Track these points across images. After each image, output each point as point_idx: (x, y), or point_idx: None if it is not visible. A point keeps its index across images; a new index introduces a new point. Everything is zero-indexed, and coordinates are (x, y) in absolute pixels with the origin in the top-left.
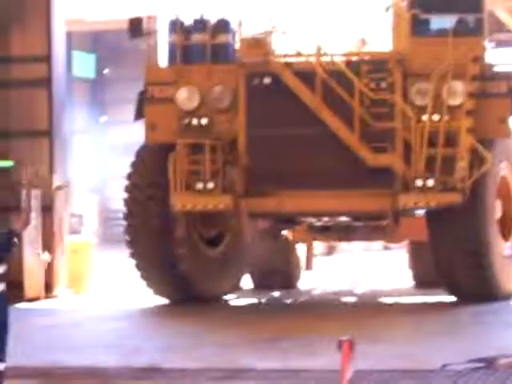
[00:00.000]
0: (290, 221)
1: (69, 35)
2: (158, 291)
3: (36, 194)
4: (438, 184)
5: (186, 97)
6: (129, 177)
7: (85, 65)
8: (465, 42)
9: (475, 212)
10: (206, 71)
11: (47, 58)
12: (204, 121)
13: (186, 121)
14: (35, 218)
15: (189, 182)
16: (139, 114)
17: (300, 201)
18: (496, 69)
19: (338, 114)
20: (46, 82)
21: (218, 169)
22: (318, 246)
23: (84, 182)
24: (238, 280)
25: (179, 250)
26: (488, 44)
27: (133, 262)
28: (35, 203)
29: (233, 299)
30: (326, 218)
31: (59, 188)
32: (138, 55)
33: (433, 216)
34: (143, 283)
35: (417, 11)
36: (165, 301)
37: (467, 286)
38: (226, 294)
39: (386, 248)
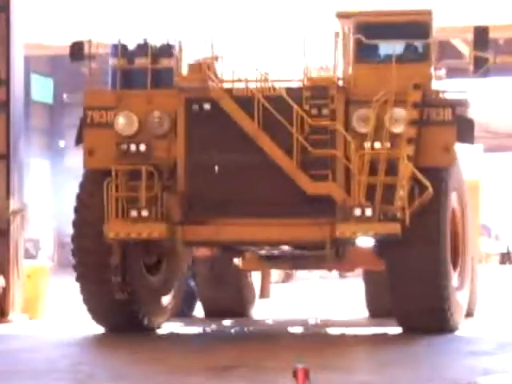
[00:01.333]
0: (233, 249)
1: (27, 59)
2: (95, 319)
3: None
4: (377, 213)
5: (124, 122)
6: (75, 200)
7: (43, 89)
8: (409, 68)
9: (434, 242)
10: (146, 96)
11: (6, 82)
12: (142, 147)
13: (124, 146)
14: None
15: (124, 209)
16: (79, 139)
17: (238, 229)
18: (443, 96)
19: (278, 141)
20: (4, 105)
21: (155, 196)
22: (275, 273)
23: (41, 207)
24: (176, 307)
25: (114, 277)
26: (436, 71)
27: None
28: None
29: (181, 327)
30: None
31: (15, 212)
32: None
33: (388, 245)
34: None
35: (360, 37)
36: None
37: (422, 318)
38: (165, 322)
39: (342, 276)
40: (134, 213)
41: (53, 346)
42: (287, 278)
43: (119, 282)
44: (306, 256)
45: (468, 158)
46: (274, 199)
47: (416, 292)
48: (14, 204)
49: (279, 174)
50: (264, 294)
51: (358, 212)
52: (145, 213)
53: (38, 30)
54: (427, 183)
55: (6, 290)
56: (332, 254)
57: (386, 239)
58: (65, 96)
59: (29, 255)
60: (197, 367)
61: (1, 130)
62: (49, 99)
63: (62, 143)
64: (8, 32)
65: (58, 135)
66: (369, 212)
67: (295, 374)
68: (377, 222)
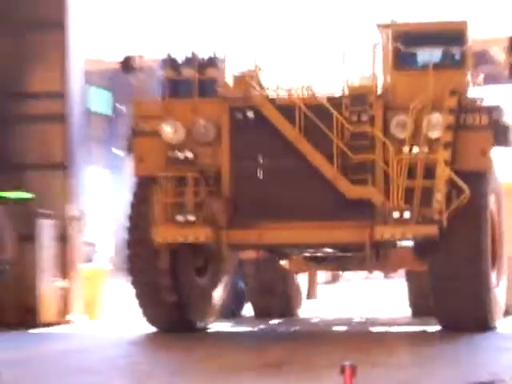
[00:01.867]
0: (279, 252)
1: (88, 73)
2: (149, 321)
3: (51, 223)
4: (415, 216)
5: (171, 131)
6: (128, 207)
7: (102, 101)
8: (445, 75)
9: (477, 245)
10: (192, 105)
11: (63, 95)
12: (189, 154)
13: (172, 154)
14: (51, 247)
15: (171, 214)
16: (129, 147)
17: (281, 233)
18: (480, 102)
19: (318, 147)
20: (62, 117)
21: (201, 201)
22: (322, 274)
23: (101, 212)
24: (225, 308)
25: (163, 281)
26: (473, 78)
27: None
28: (51, 233)
29: (230, 327)
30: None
31: (73, 218)
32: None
33: (428, 247)
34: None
35: (399, 45)
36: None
37: (461, 316)
38: (214, 322)
39: (386, 276)
40: (180, 218)
41: (111, 346)
42: (334, 279)
43: (169, 285)
44: (348, 257)
45: (505, 162)
46: (315, 203)
47: (456, 292)
48: (71, 210)
49: (320, 179)
50: (311, 294)
51: (396, 215)
52: (191, 217)
53: (98, 45)
54: (464, 186)
55: (66, 291)
56: (372, 256)
57: (426, 241)
58: (122, 107)
59: (87, 258)
60: (249, 364)
61: (59, 140)
62: (108, 111)
63: (120, 152)
64: (65, 48)
65: (116, 144)
66: (407, 215)
67: (343, 371)
68: (415, 225)
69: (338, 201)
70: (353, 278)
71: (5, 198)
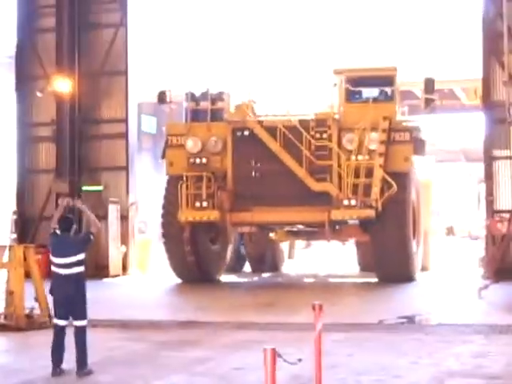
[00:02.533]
0: (267, 228)
1: (140, 105)
2: (177, 274)
3: (117, 207)
4: (359, 203)
5: (192, 144)
6: (162, 198)
7: (149, 124)
8: (380, 106)
9: (401, 223)
10: (206, 127)
11: (125, 120)
12: (204, 160)
13: (192, 160)
14: (116, 224)
15: (191, 201)
16: (164, 155)
17: (266, 214)
18: (405, 124)
19: (293, 156)
20: (124, 136)
21: (212, 193)
22: (299, 242)
23: (149, 200)
24: (231, 265)
25: (186, 247)
26: (400, 108)
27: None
28: (116, 214)
29: (235, 278)
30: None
31: (131, 204)
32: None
33: (369, 225)
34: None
35: (349, 86)
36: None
37: (393, 271)
38: (223, 275)
39: (343, 244)
40: (198, 204)
41: (154, 290)
42: (307, 246)
43: (189, 251)
44: (314, 231)
45: (425, 166)
46: (290, 194)
47: (389, 255)
48: (130, 199)
49: (294, 178)
50: (291, 256)
51: (346, 202)
52: (205, 204)
53: (148, 85)
54: (393, 183)
55: (126, 254)
56: (330, 231)
57: (367, 220)
58: (163, 128)
59: (141, 231)
60: (249, 303)
61: (122, 151)
62: (153, 131)
63: (161, 160)
64: (126, 88)
65: (158, 154)
66: (353, 202)
67: (314, 308)
68: (359, 209)
69: (306, 192)
70: (320, 245)
71: (86, 190)
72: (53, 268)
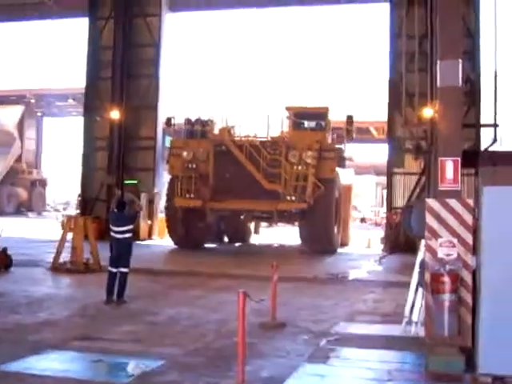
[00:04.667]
0: (237, 213)
1: (164, 129)
2: (173, 241)
3: (146, 195)
4: (297, 199)
5: (186, 154)
6: (166, 190)
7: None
8: (315, 133)
9: (327, 213)
10: (197, 143)
11: (154, 138)
12: (194, 165)
13: (186, 165)
14: (144, 207)
15: (183, 193)
16: (168, 161)
17: (235, 204)
18: (332, 146)
19: (254, 165)
20: (153, 148)
21: (198, 188)
22: (264, 224)
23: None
24: (213, 237)
25: (178, 224)
26: (329, 136)
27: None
28: (146, 199)
29: (215, 246)
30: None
31: (155, 194)
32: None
33: (304, 213)
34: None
35: (295, 118)
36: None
37: (319, 245)
38: (207, 243)
39: (293, 225)
40: (187, 195)
41: (166, 248)
42: (269, 226)
43: (181, 226)
44: (268, 217)
45: (347, 175)
46: (251, 191)
47: (318, 235)
48: (155, 190)
49: (254, 180)
50: (257, 232)
51: (288, 198)
52: (192, 195)
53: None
54: (321, 185)
55: (151, 226)
56: (277, 217)
57: (302, 211)
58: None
59: (161, 212)
60: (227, 263)
61: (151, 158)
62: None
63: (166, 164)
64: (157, 118)
65: None
66: (294, 198)
67: (272, 266)
68: (297, 203)
69: (262, 190)
70: (278, 226)
71: (127, 184)
72: (112, 234)
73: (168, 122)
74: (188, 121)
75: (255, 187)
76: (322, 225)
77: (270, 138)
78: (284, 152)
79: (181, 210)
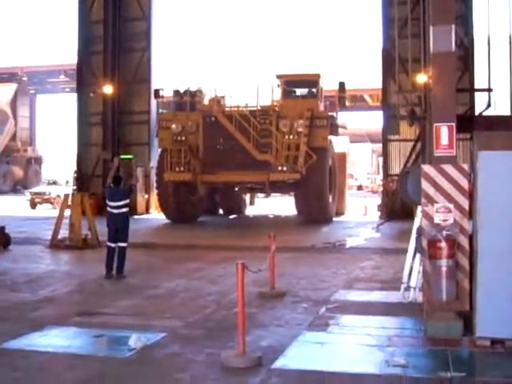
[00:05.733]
0: (233, 185)
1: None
2: (166, 216)
3: (142, 169)
4: (289, 169)
5: (175, 126)
6: (156, 163)
7: None
8: (307, 101)
9: (320, 182)
10: (186, 115)
11: (148, 112)
12: (183, 138)
13: (175, 137)
14: (140, 181)
15: (173, 166)
16: (157, 134)
17: (226, 176)
18: (323, 113)
19: (244, 135)
20: (147, 122)
21: (188, 161)
22: (260, 195)
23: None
24: (207, 209)
25: (169, 198)
26: (321, 103)
27: None
28: (142, 174)
29: (210, 218)
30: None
31: (151, 167)
32: None
33: (297, 183)
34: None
35: (285, 86)
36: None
37: (315, 214)
38: (201, 216)
39: (289, 195)
40: (177, 168)
41: (161, 221)
42: (266, 196)
43: (172, 200)
44: (261, 188)
45: (341, 143)
46: (242, 162)
47: (313, 204)
48: (151, 164)
49: (245, 151)
50: (252, 203)
51: (280, 168)
52: (182, 168)
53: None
54: (313, 155)
55: (148, 200)
56: (269, 187)
57: (295, 180)
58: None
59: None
60: (224, 234)
61: (146, 132)
62: None
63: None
64: (149, 92)
65: None
66: (285, 168)
67: (269, 236)
68: (289, 173)
69: (253, 161)
70: (273, 196)
71: (123, 158)
72: (108, 209)
73: (156, 93)
74: (177, 92)
75: (246, 158)
76: (316, 194)
77: (259, 108)
78: (275, 121)
79: (171, 184)
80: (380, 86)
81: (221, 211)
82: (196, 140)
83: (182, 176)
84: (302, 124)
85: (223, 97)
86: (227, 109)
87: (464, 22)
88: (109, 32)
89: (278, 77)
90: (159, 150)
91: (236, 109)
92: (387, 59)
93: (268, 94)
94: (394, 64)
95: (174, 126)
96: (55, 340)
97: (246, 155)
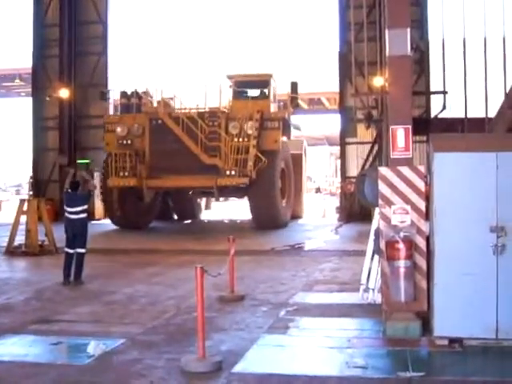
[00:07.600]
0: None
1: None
2: (113, 223)
3: (99, 175)
4: (238, 173)
5: (120, 129)
6: (102, 167)
7: None
8: (257, 103)
9: (270, 186)
10: (132, 117)
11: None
12: (129, 141)
13: (120, 141)
14: (98, 185)
15: (118, 171)
16: (104, 138)
17: (173, 181)
18: (275, 115)
19: (192, 139)
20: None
21: (133, 165)
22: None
23: None
24: (157, 215)
25: (114, 205)
26: (273, 104)
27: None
28: (99, 179)
29: (163, 225)
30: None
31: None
32: None
33: (248, 187)
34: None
35: (235, 87)
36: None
37: (267, 221)
38: (151, 223)
39: (240, 199)
40: (121, 173)
41: (122, 230)
42: (225, 200)
43: (117, 207)
44: (211, 192)
45: (297, 144)
46: (189, 166)
47: (263, 210)
48: None
49: (192, 154)
50: (208, 207)
51: (228, 173)
52: (127, 173)
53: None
54: (263, 158)
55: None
56: (218, 192)
57: (244, 185)
58: None
59: None
60: (183, 238)
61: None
62: None
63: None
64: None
65: None
66: (233, 172)
67: (229, 240)
68: (238, 177)
69: (200, 165)
70: (228, 200)
71: (80, 163)
72: (66, 214)
73: (102, 95)
74: (124, 94)
75: (194, 162)
76: (266, 199)
77: (208, 109)
78: (224, 124)
79: (116, 189)
80: (337, 89)
81: (175, 216)
82: (142, 144)
83: (127, 181)
84: (252, 126)
85: (172, 98)
86: (176, 111)
87: (420, 25)
88: (64, 35)
89: (229, 77)
90: (105, 154)
91: (184, 111)
92: (344, 62)
93: (218, 96)
94: (350, 67)
95: (119, 129)
96: (12, 348)
97: (194, 159)
